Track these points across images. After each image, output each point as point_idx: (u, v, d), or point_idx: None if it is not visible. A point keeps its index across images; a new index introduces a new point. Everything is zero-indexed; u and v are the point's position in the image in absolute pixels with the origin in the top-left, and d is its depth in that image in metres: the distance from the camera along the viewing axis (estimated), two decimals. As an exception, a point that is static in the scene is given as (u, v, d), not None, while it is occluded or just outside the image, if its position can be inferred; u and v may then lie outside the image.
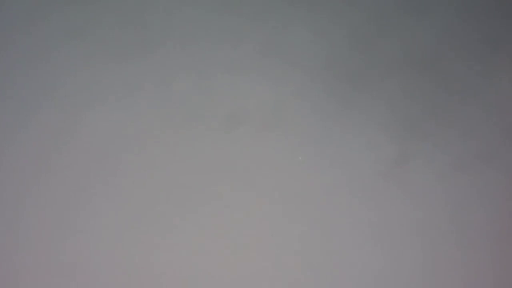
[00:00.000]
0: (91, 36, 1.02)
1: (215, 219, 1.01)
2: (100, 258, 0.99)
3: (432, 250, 1.02)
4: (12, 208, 0.99)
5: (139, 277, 0.99)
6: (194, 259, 1.00)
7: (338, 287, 1.01)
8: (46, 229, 0.99)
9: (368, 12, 1.05)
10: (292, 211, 1.02)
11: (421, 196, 1.03)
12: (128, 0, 1.03)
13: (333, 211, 1.02)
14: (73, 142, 1.01)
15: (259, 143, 1.02)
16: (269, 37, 1.04)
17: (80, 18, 1.02)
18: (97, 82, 1.02)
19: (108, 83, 1.02)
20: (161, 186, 1.01)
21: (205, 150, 1.02)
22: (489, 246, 1.03)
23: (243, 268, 1.01)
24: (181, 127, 1.02)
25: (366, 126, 1.03)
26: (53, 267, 0.99)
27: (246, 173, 1.02)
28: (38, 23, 1.01)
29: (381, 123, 1.03)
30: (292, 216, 1.02)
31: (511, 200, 1.03)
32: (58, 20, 1.02)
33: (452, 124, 1.04)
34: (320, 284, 1.01)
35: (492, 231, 1.03)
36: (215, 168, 1.02)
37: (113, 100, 1.02)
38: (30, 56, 1.01)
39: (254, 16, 1.04)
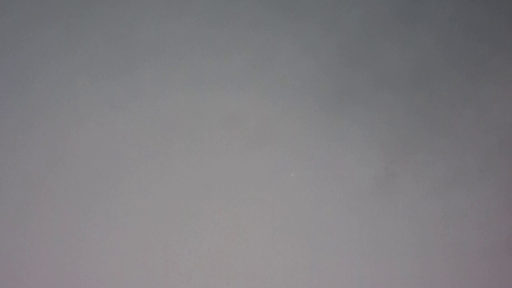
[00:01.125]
0: (75, 54, 1.02)
1: (207, 240, 1.01)
2: (101, 263, 0.99)
3: (422, 267, 1.01)
4: (13, 214, 0.99)
5: (139, 280, 0.99)
6: (188, 264, 1.00)
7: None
8: (49, 234, 0.99)
9: (358, 26, 1.04)
10: (282, 227, 1.01)
11: (410, 212, 1.02)
12: (113, 15, 1.03)
13: (324, 226, 1.02)
14: (66, 157, 1.01)
15: (248, 159, 1.02)
16: (259, 52, 1.03)
17: (64, 35, 1.02)
18: (83, 100, 1.02)
19: (93, 100, 1.02)
20: (150, 202, 1.01)
21: (193, 167, 1.02)
22: (481, 262, 1.02)
23: (233, 284, 1.00)
24: (170, 144, 1.02)
25: (355, 142, 1.03)
26: (56, 270, 0.99)
27: (236, 189, 1.02)
28: (22, 41, 1.02)
29: (365, 142, 1.03)
30: (282, 232, 1.01)
31: (503, 215, 1.02)
32: (43, 38, 1.02)
33: (442, 139, 1.03)
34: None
35: (484, 247, 1.02)
36: (204, 186, 1.02)
37: (99, 117, 1.01)
38: (14, 74, 1.02)
39: (243, 31, 1.04)
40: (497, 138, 1.03)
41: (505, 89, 1.04)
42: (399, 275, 1.01)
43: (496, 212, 1.02)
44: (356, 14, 1.04)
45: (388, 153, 1.03)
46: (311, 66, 1.03)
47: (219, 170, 1.02)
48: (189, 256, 1.00)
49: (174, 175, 1.01)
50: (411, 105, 1.03)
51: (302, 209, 1.02)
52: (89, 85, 1.02)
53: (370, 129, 1.03)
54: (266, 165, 1.02)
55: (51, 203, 1.00)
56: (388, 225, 1.02)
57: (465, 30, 1.05)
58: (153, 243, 1.00)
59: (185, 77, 1.03)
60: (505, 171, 1.03)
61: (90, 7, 1.02)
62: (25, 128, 1.01)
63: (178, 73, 1.03)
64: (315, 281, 1.01)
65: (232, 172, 1.02)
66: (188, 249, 1.00)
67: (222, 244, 1.01)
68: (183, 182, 1.02)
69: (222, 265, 1.01)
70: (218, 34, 1.03)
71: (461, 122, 1.03)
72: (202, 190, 1.02)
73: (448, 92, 1.04)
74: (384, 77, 1.04)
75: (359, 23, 1.04)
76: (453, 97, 1.04)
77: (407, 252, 1.01)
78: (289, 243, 1.01)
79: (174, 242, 1.01)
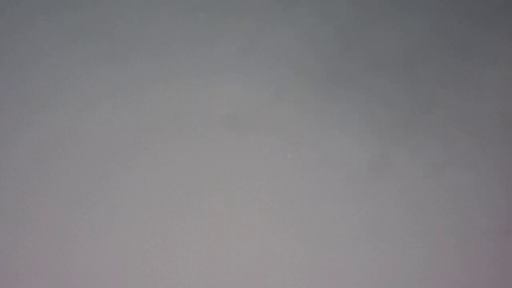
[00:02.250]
0: (60, 49, 1.02)
1: (206, 222, 1.01)
2: (100, 261, 0.99)
3: (420, 248, 1.01)
4: (11, 211, 0.99)
5: (138, 280, 0.99)
6: (186, 259, 1.00)
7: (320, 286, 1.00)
8: (46, 231, 0.99)
9: (351, 10, 1.04)
10: (278, 211, 1.01)
11: (407, 194, 1.01)
12: (96, 8, 1.03)
13: (321, 210, 1.01)
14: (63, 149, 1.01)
15: (243, 144, 1.02)
16: (251, 38, 1.03)
17: (53, 30, 1.02)
18: (75, 94, 1.01)
19: (79, 93, 1.01)
20: (146, 192, 1.00)
21: (187, 155, 1.01)
22: (480, 242, 1.01)
23: (232, 269, 1.00)
24: (161, 134, 1.01)
25: (340, 131, 1.02)
26: (53, 270, 0.98)
27: (231, 174, 1.01)
28: (13, 38, 1.02)
29: (356, 127, 1.02)
30: (279, 217, 1.01)
31: (501, 195, 1.02)
32: (30, 35, 1.02)
33: (437, 121, 1.03)
34: (304, 283, 1.00)
35: (483, 227, 1.02)
36: (200, 172, 1.01)
37: (87, 110, 1.01)
38: (4, 69, 1.01)
39: (235, 17, 1.03)
40: (493, 118, 1.03)
41: (499, 69, 1.04)
42: (396, 257, 1.01)
43: (495, 192, 1.02)
44: (343, 4, 1.04)
45: (383, 136, 1.02)
46: (305, 51, 1.03)
47: (214, 156, 1.01)
48: (189, 244, 1.00)
49: (168, 162, 1.01)
50: (405, 87, 1.03)
51: (298, 193, 1.01)
52: (79, 79, 1.02)
53: (365, 112, 1.03)
54: (262, 149, 1.02)
55: (45, 199, 1.00)
56: (385, 208, 1.01)
57: (458, 11, 1.04)
58: (150, 237, 1.00)
59: (176, 65, 1.02)
60: (502, 150, 1.03)
61: (76, 1, 1.03)
62: (17, 124, 1.01)
63: (168, 61, 1.02)
64: (311, 264, 1.00)
65: (227, 157, 1.01)
66: (187, 233, 1.00)
67: (221, 227, 1.01)
68: (177, 169, 1.01)
69: (222, 249, 1.00)
70: (209, 20, 1.03)
71: (454, 103, 1.03)
72: (197, 177, 1.01)
73: (442, 73, 1.03)
74: (378, 60, 1.03)
75: (352, 7, 1.04)
76: (447, 79, 1.03)
77: (404, 234, 1.01)
78: (286, 228, 1.01)
79: (172, 230, 1.00)
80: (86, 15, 1.02)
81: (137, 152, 1.01)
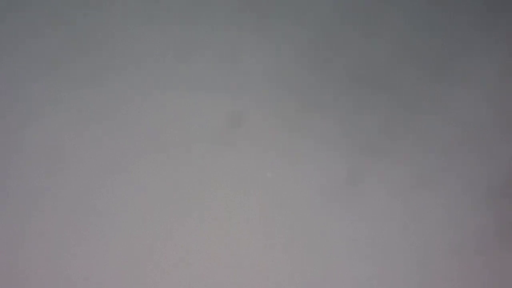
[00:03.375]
0: (43, 63, 1.02)
1: (186, 237, 1.01)
2: (99, 264, 0.99)
3: (388, 270, 1.02)
4: (12, 216, 1.00)
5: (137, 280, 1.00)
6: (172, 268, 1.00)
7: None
8: (48, 235, 1.00)
9: (317, 31, 1.05)
10: (252, 225, 1.02)
11: (376, 214, 1.02)
12: (78, 24, 1.03)
13: (282, 231, 1.02)
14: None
15: (214, 160, 1.02)
16: (225, 51, 1.03)
17: (48, 42, 1.03)
18: (49, 108, 1.02)
19: (60, 109, 1.02)
20: (126, 210, 1.01)
21: (162, 172, 1.02)
22: (448, 262, 1.02)
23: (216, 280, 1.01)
24: (140, 148, 1.02)
25: (315, 146, 1.03)
26: (55, 273, 0.99)
27: (210, 191, 1.02)
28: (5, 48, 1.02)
29: (331, 142, 1.03)
30: (258, 232, 1.02)
31: (469, 214, 1.03)
32: (26, 47, 1.03)
33: (407, 140, 1.04)
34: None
35: (451, 246, 1.02)
36: (173, 190, 1.02)
37: (74, 125, 1.02)
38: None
39: (209, 30, 1.04)
40: (461, 138, 1.04)
41: (468, 89, 1.05)
42: (363, 276, 1.01)
43: (462, 211, 1.03)
44: (319, 16, 1.05)
45: (353, 155, 1.03)
46: (271, 72, 1.04)
47: (191, 171, 1.02)
48: (172, 254, 1.01)
49: (150, 175, 1.02)
50: (373, 108, 1.04)
51: (278, 208, 1.02)
52: (55, 95, 1.02)
53: (332, 133, 1.03)
54: (240, 164, 1.02)
55: (49, 204, 1.00)
56: (353, 225, 1.02)
57: (427, 31, 1.05)
58: (137, 243, 1.00)
59: (154, 80, 1.03)
60: (470, 170, 1.04)
61: (60, 11, 1.03)
62: (19, 132, 1.01)
63: (143, 77, 1.03)
64: (291, 276, 1.01)
65: (205, 170, 1.02)
66: (170, 248, 1.01)
67: (204, 240, 1.01)
68: (156, 183, 1.02)
69: (205, 260, 1.01)
70: (183, 35, 1.03)
71: (424, 123, 1.04)
72: (171, 194, 1.02)
73: (411, 93, 1.04)
74: (347, 80, 1.04)
75: (319, 28, 1.05)
76: (416, 99, 1.04)
77: (372, 253, 1.02)
78: (265, 243, 1.01)
79: (159, 241, 1.01)
80: (72, 32, 1.03)
81: (118, 166, 1.02)
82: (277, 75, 1.04)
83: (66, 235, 1.00)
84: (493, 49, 1.05)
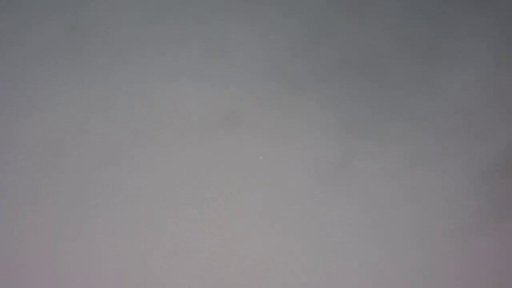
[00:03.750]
0: (39, 57, 1.04)
1: (182, 224, 1.01)
2: (98, 262, 1.00)
3: (383, 249, 1.01)
4: (11, 215, 1.01)
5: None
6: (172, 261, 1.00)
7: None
8: (45, 232, 1.00)
9: (306, 16, 1.06)
10: (253, 211, 1.02)
11: (366, 196, 1.02)
12: (72, 18, 1.05)
13: (278, 216, 1.02)
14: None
15: (205, 149, 1.03)
16: (216, 39, 1.04)
17: (51, 37, 1.04)
18: (47, 102, 1.03)
19: (56, 102, 1.03)
20: (128, 198, 1.01)
21: (158, 162, 1.03)
22: (444, 242, 1.01)
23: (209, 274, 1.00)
24: (129, 139, 1.03)
25: (308, 129, 1.03)
26: (53, 272, 0.99)
27: (204, 178, 1.02)
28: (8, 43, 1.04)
29: (324, 125, 1.03)
30: (253, 216, 1.02)
31: (464, 194, 1.02)
32: (31, 40, 1.04)
33: (398, 122, 1.04)
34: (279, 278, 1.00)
35: (447, 227, 1.02)
36: (169, 180, 1.02)
37: (71, 119, 1.03)
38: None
39: (198, 19, 1.05)
40: (452, 120, 1.04)
41: (458, 71, 1.05)
42: (359, 258, 1.01)
43: (457, 192, 1.02)
44: (310, 3, 1.06)
45: (341, 140, 1.03)
46: (261, 57, 1.04)
47: (187, 158, 1.02)
48: (170, 242, 1.01)
49: (146, 166, 1.02)
50: (362, 91, 1.04)
51: (271, 192, 1.02)
52: (71, 85, 1.03)
53: (322, 116, 1.04)
54: (233, 150, 1.03)
55: (46, 202, 1.01)
56: (347, 208, 1.02)
57: (417, 15, 1.06)
58: (135, 235, 1.01)
59: (141, 70, 1.04)
60: (464, 151, 1.03)
61: (54, 8, 1.04)
62: (16, 127, 1.03)
63: (131, 67, 1.04)
64: (285, 259, 1.01)
65: (199, 158, 1.02)
66: (168, 235, 1.01)
67: (201, 227, 1.01)
68: (153, 173, 1.02)
69: (202, 249, 1.01)
70: (175, 27, 1.05)
71: (416, 104, 1.04)
72: (163, 182, 1.02)
73: (403, 75, 1.05)
74: (334, 65, 1.05)
75: (308, 13, 1.06)
76: (407, 80, 1.04)
77: (367, 234, 1.01)
78: (260, 227, 1.01)
79: (153, 235, 1.01)
80: (68, 27, 1.04)
81: (116, 158, 1.03)
82: (267, 61, 1.05)
83: (63, 229, 1.00)
84: (485, 30, 1.05)
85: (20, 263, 0.99)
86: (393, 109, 1.04)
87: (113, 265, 1.00)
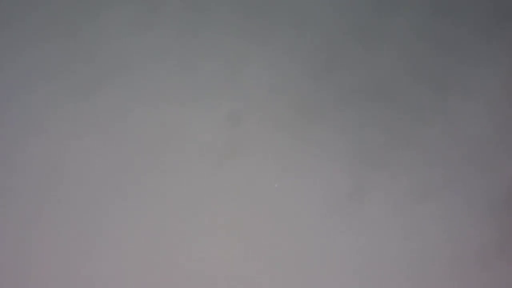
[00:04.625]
0: (41, 72, 1.02)
1: (192, 247, 1.01)
2: (101, 272, 0.99)
3: (389, 283, 1.01)
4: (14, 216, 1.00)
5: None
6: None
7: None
8: (50, 240, 1.00)
9: (320, 43, 1.05)
10: (261, 240, 1.01)
11: (376, 228, 1.02)
12: (76, 36, 1.03)
13: (287, 246, 1.01)
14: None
15: (215, 176, 1.02)
16: (229, 62, 1.04)
17: (29, 54, 1.03)
18: (46, 118, 1.02)
19: (58, 120, 1.02)
20: (125, 217, 1.01)
21: (162, 182, 1.02)
22: (451, 275, 1.02)
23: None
24: (138, 161, 1.02)
25: (318, 158, 1.03)
26: (57, 271, 0.99)
27: (213, 203, 1.02)
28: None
29: (335, 154, 1.03)
30: (261, 245, 1.01)
31: (471, 227, 1.02)
32: (14, 56, 1.03)
33: (409, 153, 1.03)
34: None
35: (453, 260, 1.02)
36: (173, 202, 1.02)
37: (75, 134, 1.02)
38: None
39: (212, 41, 1.04)
40: (463, 150, 1.04)
41: (470, 102, 1.05)
42: (377, 283, 1.01)
43: (465, 224, 1.02)
44: (322, 27, 1.05)
45: (354, 171, 1.03)
46: (274, 84, 1.04)
47: (193, 181, 1.02)
48: (173, 264, 1.00)
49: (151, 184, 1.01)
50: (376, 120, 1.04)
51: (272, 220, 1.02)
52: (52, 107, 1.02)
53: (335, 146, 1.03)
54: (244, 177, 1.02)
55: (49, 212, 1.00)
56: (358, 240, 1.01)
57: (430, 43, 1.05)
58: (137, 254, 1.00)
59: (156, 91, 1.03)
60: (472, 183, 1.03)
61: (58, 22, 1.03)
62: (19, 141, 1.02)
63: (143, 89, 1.03)
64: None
65: (206, 182, 1.02)
66: (175, 251, 1.00)
67: (205, 252, 1.01)
68: (157, 194, 1.01)
69: (210, 273, 1.01)
70: (185, 45, 1.03)
71: (426, 134, 1.04)
72: (174, 203, 1.01)
73: (413, 104, 1.04)
74: (349, 90, 1.04)
75: (322, 40, 1.05)
76: (418, 110, 1.04)
77: (374, 267, 1.01)
78: (270, 256, 1.01)
79: (160, 255, 1.00)
80: (73, 41, 1.03)
81: (121, 177, 1.02)
82: (279, 86, 1.04)
83: (66, 243, 1.00)
84: (495, 61, 1.05)
85: (27, 271, 0.99)
86: (403, 139, 1.03)
87: (117, 277, 0.99)
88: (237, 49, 1.04)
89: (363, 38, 1.05)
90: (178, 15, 1.03)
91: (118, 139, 1.01)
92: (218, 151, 1.02)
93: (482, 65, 1.05)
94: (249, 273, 1.00)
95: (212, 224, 1.01)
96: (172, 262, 1.00)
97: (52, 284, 0.99)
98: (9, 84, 1.02)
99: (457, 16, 1.06)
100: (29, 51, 1.02)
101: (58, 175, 1.01)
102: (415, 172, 1.03)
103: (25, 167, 1.01)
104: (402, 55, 1.05)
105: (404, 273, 1.01)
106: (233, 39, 1.03)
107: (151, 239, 1.00)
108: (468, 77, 1.05)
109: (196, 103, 1.03)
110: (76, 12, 1.03)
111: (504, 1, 1.06)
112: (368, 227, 1.01)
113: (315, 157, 1.03)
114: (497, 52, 1.05)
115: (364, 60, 1.05)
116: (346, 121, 1.03)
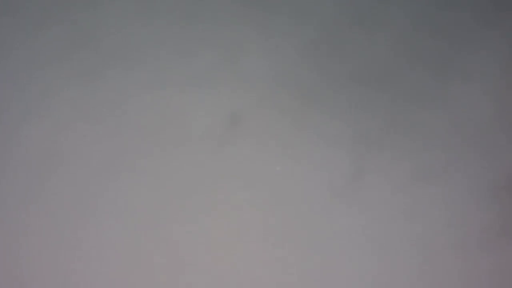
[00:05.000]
0: (41, 61, 1.03)
1: (194, 232, 1.01)
2: (98, 263, 0.99)
3: (390, 264, 1.01)
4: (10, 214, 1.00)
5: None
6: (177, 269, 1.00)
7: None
8: (46, 231, 1.00)
9: (318, 27, 1.05)
10: (264, 223, 1.02)
11: (377, 210, 1.02)
12: (77, 22, 1.04)
13: (289, 229, 1.01)
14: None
15: (216, 159, 1.02)
16: (228, 50, 1.04)
17: (29, 42, 1.04)
18: (47, 105, 1.03)
19: (57, 108, 1.03)
20: (127, 205, 1.01)
21: (162, 171, 1.02)
22: (451, 258, 1.01)
23: (221, 277, 1.00)
24: (138, 147, 1.02)
25: (320, 142, 1.03)
26: (54, 270, 0.99)
27: (203, 189, 1.02)
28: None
29: (336, 138, 1.03)
30: (264, 228, 1.02)
31: (472, 210, 1.02)
32: (11, 43, 1.04)
33: (409, 136, 1.03)
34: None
35: (453, 242, 1.01)
36: (174, 190, 1.02)
37: (72, 123, 1.02)
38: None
39: (211, 29, 1.05)
40: (463, 134, 1.04)
41: (468, 86, 1.05)
42: (366, 270, 1.01)
43: (465, 208, 1.02)
44: (321, 14, 1.06)
45: (356, 151, 1.03)
46: (273, 68, 1.04)
47: (194, 169, 1.02)
48: (181, 250, 1.00)
49: (151, 174, 1.02)
50: (375, 104, 1.04)
51: (284, 203, 1.02)
52: (54, 93, 1.03)
53: (335, 129, 1.03)
54: (240, 160, 1.02)
55: (45, 202, 1.01)
56: (357, 220, 1.01)
57: (428, 29, 1.06)
58: (135, 243, 1.01)
59: (151, 79, 1.03)
60: (472, 166, 1.03)
61: (58, 9, 1.04)
62: (15, 131, 1.02)
63: (144, 76, 1.04)
64: (298, 272, 1.00)
65: (207, 169, 1.02)
66: (177, 244, 1.01)
67: (207, 238, 1.01)
68: (157, 182, 1.02)
69: (212, 257, 1.01)
70: (185, 33, 1.04)
71: (426, 118, 1.04)
72: (174, 190, 1.02)
73: (413, 89, 1.04)
74: (350, 76, 1.04)
75: (321, 24, 1.05)
76: (418, 95, 1.04)
77: (375, 248, 1.01)
78: (273, 238, 1.01)
79: (160, 240, 1.01)
80: (71, 30, 1.04)
81: (121, 164, 1.02)
82: (279, 73, 1.04)
83: (63, 234, 1.00)
84: (495, 46, 1.05)
85: (21, 266, 0.99)
86: (403, 122, 1.03)
87: (114, 269, 1.00)
88: (236, 37, 1.04)
89: (362, 24, 1.05)
90: (177, 2, 1.04)
91: (117, 126, 1.02)
92: (217, 137, 1.03)
93: (481, 50, 1.05)
94: (249, 256, 1.00)
95: (211, 208, 1.01)
96: (172, 248, 1.01)
97: (48, 273, 0.99)
98: (7, 72, 1.03)
99: (456, 3, 1.06)
100: (27, 40, 1.03)
101: (57, 161, 1.02)
102: (415, 156, 1.03)
103: (23, 154, 1.01)
104: (402, 41, 1.05)
105: (405, 255, 1.01)
106: (232, 26, 1.04)
107: (150, 225, 1.01)
108: (467, 62, 1.05)
109: (195, 90, 1.03)
110: (75, 0, 1.04)
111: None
112: (368, 210, 1.01)
113: (315, 141, 1.03)
114: (496, 37, 1.05)
115: (364, 47, 1.05)
116: (346, 105, 1.04)
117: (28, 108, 1.02)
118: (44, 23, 1.03)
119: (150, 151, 1.02)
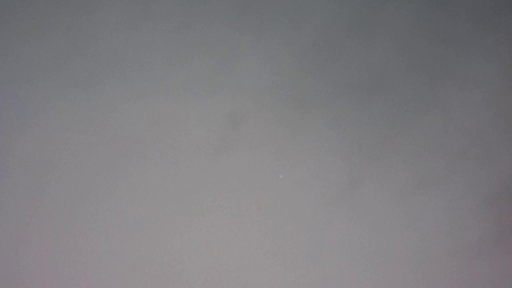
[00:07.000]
0: (36, 68, 1.03)
1: (192, 238, 1.01)
2: (95, 268, 1.00)
3: (388, 273, 1.01)
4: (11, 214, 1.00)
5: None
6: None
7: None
8: (44, 234, 1.00)
9: (316, 36, 1.05)
10: (260, 230, 1.01)
11: (374, 219, 1.01)
12: (72, 31, 1.04)
13: (286, 238, 1.01)
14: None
15: (212, 166, 1.02)
16: (222, 59, 1.04)
17: (24, 50, 1.03)
18: (41, 113, 1.02)
19: (52, 113, 1.02)
20: (124, 212, 1.01)
21: (159, 176, 1.02)
22: (448, 265, 1.01)
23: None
24: (131, 156, 1.02)
25: (316, 150, 1.03)
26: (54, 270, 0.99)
27: (200, 195, 1.02)
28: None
29: (332, 146, 1.02)
30: (259, 235, 1.01)
31: (468, 218, 1.02)
32: (7, 52, 1.04)
33: (405, 144, 1.03)
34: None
35: (451, 250, 1.01)
36: (170, 196, 1.02)
37: (69, 130, 1.02)
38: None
39: (202, 41, 1.04)
40: (460, 141, 1.03)
41: (466, 93, 1.04)
42: (364, 280, 1.00)
43: (463, 215, 1.02)
44: (318, 21, 1.05)
45: (353, 159, 1.02)
46: (270, 77, 1.04)
47: (190, 174, 1.02)
48: (178, 255, 1.00)
49: (148, 180, 1.02)
50: (371, 113, 1.03)
51: (270, 211, 1.01)
52: (47, 99, 1.03)
53: (331, 138, 1.03)
54: (230, 173, 1.02)
55: (42, 206, 1.01)
56: (353, 230, 1.01)
57: (425, 35, 1.05)
58: (133, 250, 1.00)
59: (151, 85, 1.03)
60: (470, 173, 1.03)
61: (52, 18, 1.04)
62: (13, 136, 1.02)
63: (138, 84, 1.03)
64: (291, 279, 1.00)
65: (203, 175, 1.02)
66: (171, 249, 1.01)
67: (204, 245, 1.01)
68: (154, 188, 1.02)
69: (211, 263, 1.01)
70: (179, 42, 1.04)
71: (423, 126, 1.03)
72: (171, 196, 1.02)
73: (410, 96, 1.04)
74: (346, 83, 1.04)
75: (317, 34, 1.05)
76: (415, 102, 1.04)
77: (372, 257, 1.01)
78: (269, 247, 1.01)
79: (156, 248, 1.01)
80: (67, 37, 1.03)
81: (118, 171, 1.02)
82: (275, 81, 1.04)
83: (59, 237, 1.00)
84: (493, 51, 1.05)
85: (21, 269, 0.99)
86: (400, 130, 1.03)
87: (110, 275, 1.00)
88: (232, 43, 1.04)
89: (360, 30, 1.05)
90: (172, 9, 1.04)
91: (112, 133, 1.02)
92: (213, 145, 1.02)
93: (479, 55, 1.05)
94: (246, 264, 1.00)
95: (207, 216, 1.01)
96: (167, 255, 1.01)
97: (48, 274, 0.99)
98: (2, 79, 1.02)
99: (453, 8, 1.05)
100: (22, 47, 1.03)
101: (52, 169, 1.01)
102: (412, 163, 1.02)
103: (19, 161, 1.01)
104: (399, 47, 1.05)
105: (402, 264, 1.01)
106: (228, 32, 1.04)
107: (145, 232, 1.01)
108: (465, 68, 1.04)
109: (191, 97, 1.03)
110: (70, 7, 1.03)
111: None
112: (366, 218, 1.01)
113: (311, 149, 1.02)
114: (494, 42, 1.05)
115: (361, 53, 1.05)
116: (343, 113, 1.03)
117: (23, 116, 1.02)
118: (37, 33, 1.03)
119: (146, 158, 1.02)
